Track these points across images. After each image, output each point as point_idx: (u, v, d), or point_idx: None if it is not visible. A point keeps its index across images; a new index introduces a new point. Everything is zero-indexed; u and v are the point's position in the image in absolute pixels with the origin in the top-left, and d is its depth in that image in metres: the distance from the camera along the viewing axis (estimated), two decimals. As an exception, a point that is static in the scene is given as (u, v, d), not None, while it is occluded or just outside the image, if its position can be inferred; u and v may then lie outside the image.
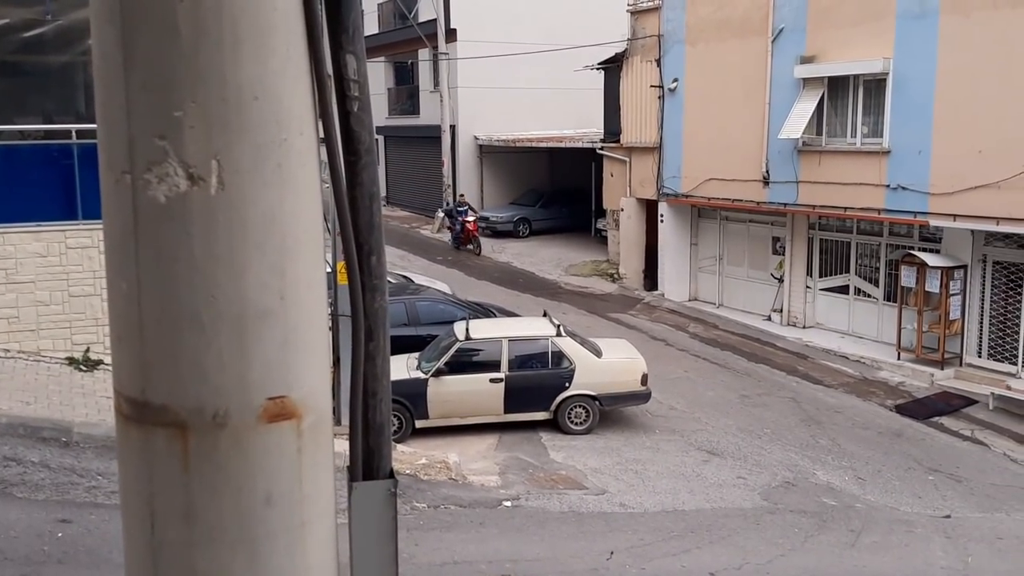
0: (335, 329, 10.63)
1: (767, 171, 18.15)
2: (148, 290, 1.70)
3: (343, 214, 1.86)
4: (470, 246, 25.86)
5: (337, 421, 9.37)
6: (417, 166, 33.19)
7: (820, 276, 18.67)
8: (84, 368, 11.81)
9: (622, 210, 22.68)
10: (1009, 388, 14.50)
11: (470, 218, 26.06)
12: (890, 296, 17.13)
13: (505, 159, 30.70)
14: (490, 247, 27.21)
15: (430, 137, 30.53)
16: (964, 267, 15.64)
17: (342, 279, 10.31)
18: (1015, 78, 13.96)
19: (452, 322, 13.85)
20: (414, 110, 33.40)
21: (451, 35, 29.14)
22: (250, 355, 1.71)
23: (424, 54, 31.30)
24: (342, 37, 1.80)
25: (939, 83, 15.11)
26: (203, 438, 1.71)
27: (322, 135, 1.82)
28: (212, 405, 1.70)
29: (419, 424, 12.51)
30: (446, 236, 28.88)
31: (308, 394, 1.80)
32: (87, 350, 11.92)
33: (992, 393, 14.51)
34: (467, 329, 12.90)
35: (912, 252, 16.19)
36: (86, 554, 7.55)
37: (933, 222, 15.54)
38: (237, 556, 1.76)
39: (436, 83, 30.48)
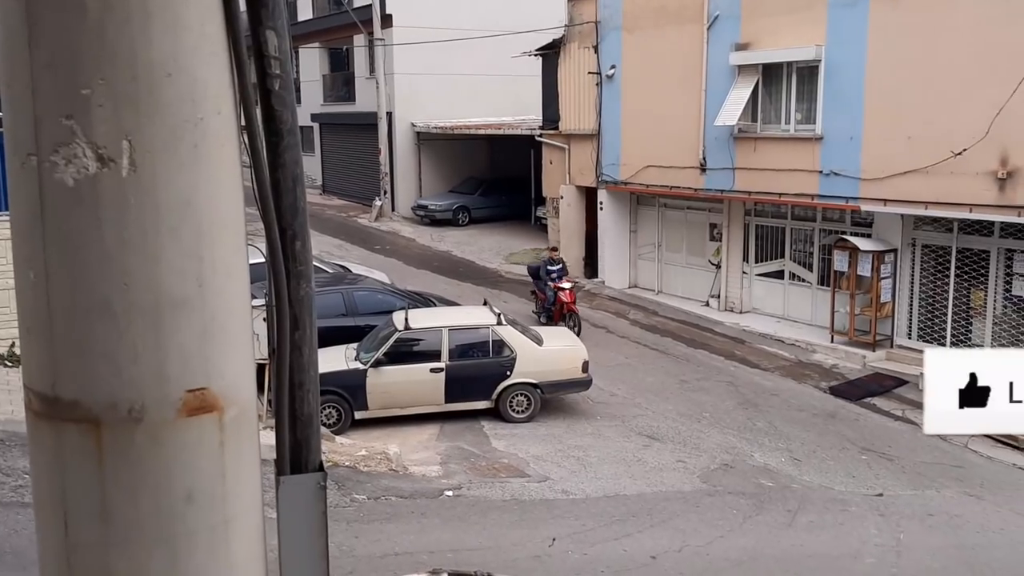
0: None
1: (704, 158, 18.33)
2: (57, 279, 1.62)
3: (265, 197, 1.79)
4: (564, 324, 16.75)
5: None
6: (353, 154, 32.82)
7: (756, 262, 18.94)
8: (9, 363, 11.43)
9: (562, 198, 22.72)
10: (938, 368, 14.87)
11: (566, 285, 17.36)
12: (824, 280, 17.45)
13: (443, 146, 30.53)
14: (429, 236, 27.07)
15: (366, 124, 30.20)
16: (894, 251, 16.01)
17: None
18: (942, 65, 14.29)
19: (391, 312, 13.73)
20: (350, 97, 33.00)
21: (387, 21, 28.83)
22: (167, 346, 1.63)
23: (359, 40, 30.92)
24: (261, 12, 1.73)
25: (869, 70, 15.40)
26: (118, 434, 1.64)
27: (242, 114, 1.75)
28: (127, 399, 1.62)
29: (358, 415, 12.38)
30: (384, 225, 28.62)
31: (230, 385, 1.73)
32: (12, 345, 11.53)
33: (921, 373, 14.77)
34: (406, 319, 12.79)
35: (844, 237, 16.51)
36: (13, 556, 7.31)
37: (864, 207, 15.86)
38: (156, 556, 1.68)
39: (372, 69, 30.15)
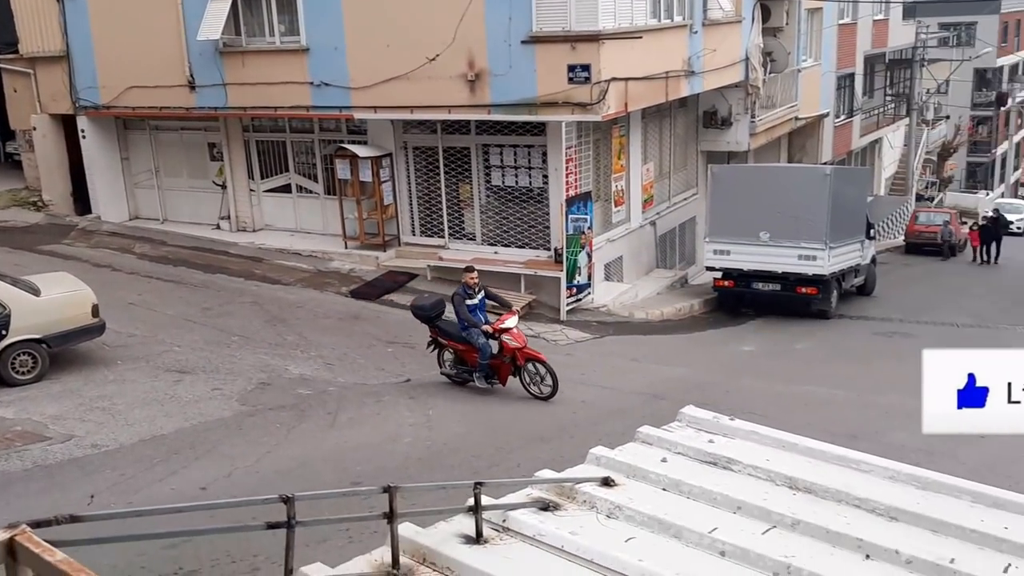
0: None
1: (191, 75, 17.53)
2: None
3: None
4: (526, 385, 11.37)
5: None
6: None
7: (262, 178, 18.85)
8: None
9: (34, 129, 20.25)
10: (441, 258, 16.40)
11: (510, 322, 11.30)
12: (330, 190, 18.00)
13: None
14: None
15: None
16: (390, 155, 17.01)
17: None
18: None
19: None
20: None
21: None
22: None
23: None
24: None
25: (344, -19, 15.84)
26: None
27: None
28: None
29: None
30: None
31: None
32: None
33: (428, 265, 16.29)
34: None
35: (343, 145, 17.11)
36: None
37: (357, 115, 16.53)
38: None
39: None
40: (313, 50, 16.43)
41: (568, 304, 15.65)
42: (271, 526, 2.25)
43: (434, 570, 2.44)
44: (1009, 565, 2.50)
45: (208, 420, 10.55)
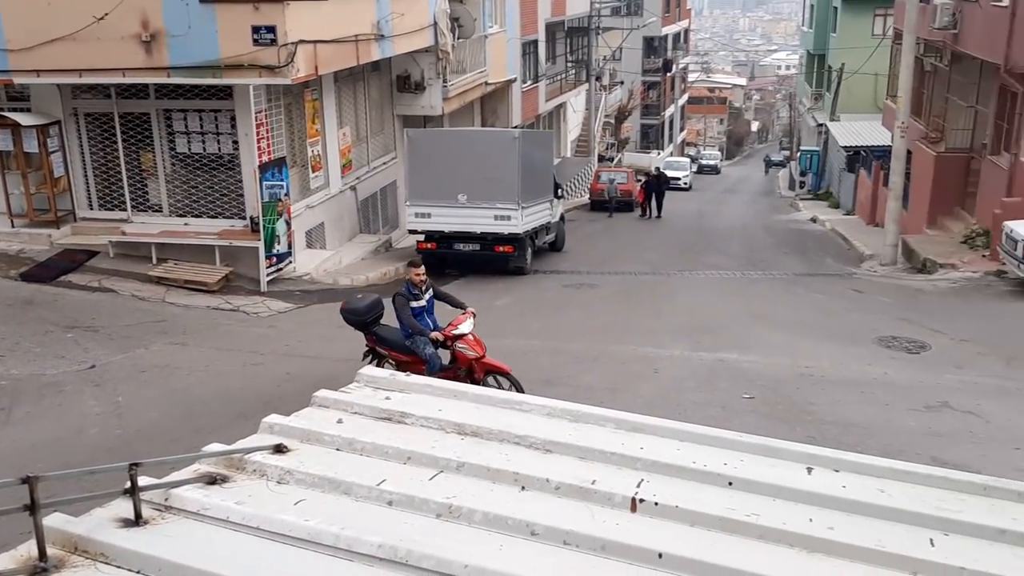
0: None
1: None
2: None
3: None
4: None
5: None
6: None
7: (-99, 151, 16.51)
8: None
9: None
10: (124, 233, 15.30)
11: (464, 327, 9.34)
12: (-11, 163, 16.15)
13: None
14: None
15: None
16: (59, 123, 15.56)
17: None
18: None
19: None
20: None
21: None
22: None
23: None
24: None
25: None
26: None
27: None
28: None
29: None
30: None
31: None
32: None
33: (110, 241, 15.14)
34: None
35: (3, 114, 15.41)
36: None
37: (17, 80, 14.91)
38: None
39: None
40: (-42, 7, 14.56)
41: (269, 274, 15.25)
42: None
43: (87, 557, 2.32)
44: (642, 480, 2.82)
45: None
